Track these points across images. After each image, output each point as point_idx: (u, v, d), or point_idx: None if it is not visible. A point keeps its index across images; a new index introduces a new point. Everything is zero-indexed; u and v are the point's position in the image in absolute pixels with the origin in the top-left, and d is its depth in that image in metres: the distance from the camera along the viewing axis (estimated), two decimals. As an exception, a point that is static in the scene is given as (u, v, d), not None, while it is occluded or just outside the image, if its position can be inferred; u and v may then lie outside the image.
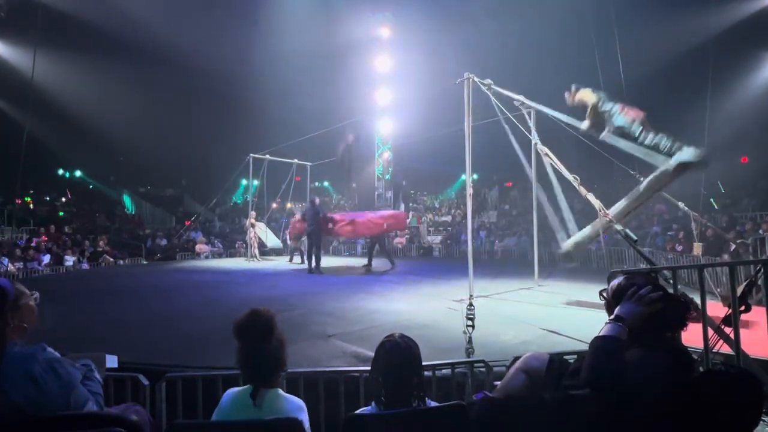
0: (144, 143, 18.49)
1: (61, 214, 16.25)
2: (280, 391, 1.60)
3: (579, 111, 5.75)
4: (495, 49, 14.64)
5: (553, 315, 5.15)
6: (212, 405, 1.70)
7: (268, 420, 1.37)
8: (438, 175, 23.29)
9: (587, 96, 5.54)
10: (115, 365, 1.90)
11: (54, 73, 14.45)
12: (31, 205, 17.80)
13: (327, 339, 4.12)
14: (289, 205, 13.95)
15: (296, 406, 1.59)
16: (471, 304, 4.03)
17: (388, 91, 17.83)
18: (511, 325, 4.63)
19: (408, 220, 20.20)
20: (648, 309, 1.51)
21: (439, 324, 4.62)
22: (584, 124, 5.54)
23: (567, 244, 5.85)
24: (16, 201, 16.19)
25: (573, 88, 5.72)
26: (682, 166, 4.48)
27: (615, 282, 1.75)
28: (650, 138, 4.77)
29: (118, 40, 15.44)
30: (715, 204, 11.44)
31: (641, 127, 4.87)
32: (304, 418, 1.53)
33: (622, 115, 5.05)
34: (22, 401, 1.33)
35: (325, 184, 25.63)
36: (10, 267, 10.42)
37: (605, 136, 5.26)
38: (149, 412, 2.11)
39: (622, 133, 5.07)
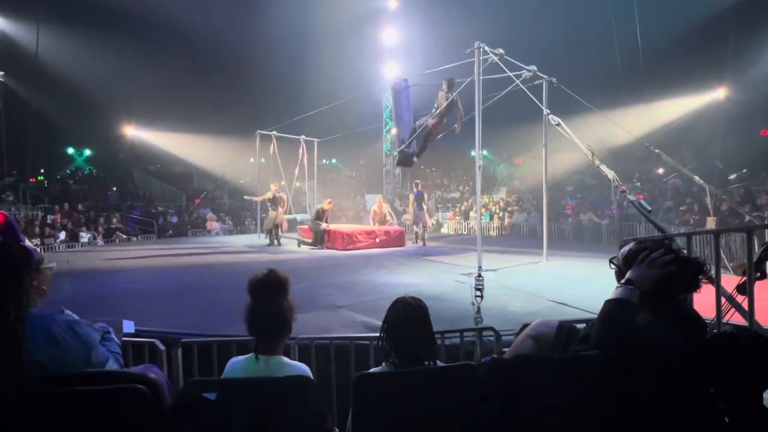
0: (151, 120, 18.49)
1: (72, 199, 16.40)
2: (284, 357, 1.63)
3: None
4: (507, 18, 14.14)
5: (561, 288, 5.16)
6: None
7: (281, 377, 1.41)
8: (447, 150, 22.96)
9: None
10: (132, 330, 1.96)
11: (60, 50, 14.34)
12: (46, 183, 18.06)
13: (336, 310, 4.19)
14: (297, 184, 13.96)
15: (301, 370, 1.61)
16: (480, 276, 4.05)
17: (395, 65, 17.43)
18: (520, 297, 4.66)
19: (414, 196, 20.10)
20: (660, 272, 1.49)
21: (447, 296, 4.67)
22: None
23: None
24: (30, 180, 16.45)
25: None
26: None
27: (626, 248, 1.72)
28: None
29: (124, 15, 15.22)
30: (731, 179, 11.18)
31: None
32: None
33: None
34: (46, 362, 1.39)
35: (333, 161, 25.49)
36: (28, 243, 10.68)
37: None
38: (166, 376, 2.18)
39: None
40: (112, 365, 1.55)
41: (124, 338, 2.09)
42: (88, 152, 22.46)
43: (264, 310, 1.59)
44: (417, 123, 8.14)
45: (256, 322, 1.59)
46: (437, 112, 7.54)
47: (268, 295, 1.61)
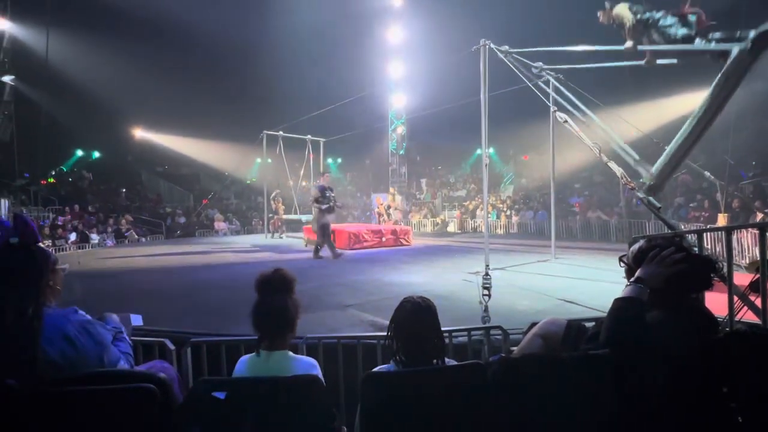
0: (158, 122, 18.68)
1: (89, 197, 16.59)
2: (290, 352, 1.64)
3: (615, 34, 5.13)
4: (513, 14, 14.04)
5: (569, 286, 5.12)
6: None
7: (289, 376, 1.41)
8: (453, 149, 22.91)
9: (624, 11, 5.05)
10: (140, 323, 2.00)
11: (70, 54, 14.52)
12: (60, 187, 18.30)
13: (344, 309, 4.20)
14: (303, 184, 14.04)
15: (308, 364, 1.61)
16: (487, 274, 4.04)
17: (400, 64, 17.43)
18: (528, 296, 4.63)
19: (422, 196, 20.13)
20: (670, 270, 1.47)
21: (455, 295, 4.65)
22: (627, 44, 5.03)
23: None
24: (41, 182, 16.69)
25: (607, 5, 5.22)
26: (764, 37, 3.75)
27: (636, 246, 1.70)
28: (708, 33, 4.21)
29: (131, 18, 15.37)
30: (744, 174, 10.99)
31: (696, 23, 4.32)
32: (318, 374, 1.57)
33: (671, 15, 4.54)
34: (60, 360, 1.42)
35: (338, 161, 25.51)
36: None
37: (653, 46, 4.77)
38: (176, 369, 2.20)
39: (672, 37, 4.49)
40: (123, 365, 1.58)
41: (133, 335, 2.12)
42: (94, 154, 22.71)
43: (267, 307, 1.61)
44: None
45: (259, 318, 1.61)
46: None
47: (273, 293, 1.63)
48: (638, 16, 4.79)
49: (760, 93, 11.54)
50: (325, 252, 7.96)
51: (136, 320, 1.99)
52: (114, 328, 1.68)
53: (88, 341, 1.48)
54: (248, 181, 21.15)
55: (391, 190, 14.42)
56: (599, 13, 5.28)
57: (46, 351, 1.38)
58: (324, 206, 7.78)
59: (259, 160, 18.08)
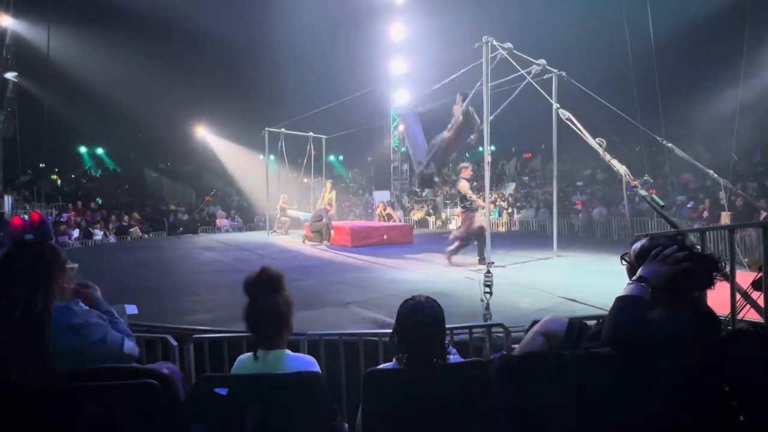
0: (161, 120, 18.68)
1: (100, 201, 16.56)
2: (288, 351, 1.62)
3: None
4: (516, 11, 13.97)
5: (572, 284, 5.10)
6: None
7: (291, 373, 1.42)
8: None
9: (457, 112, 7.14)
10: (135, 312, 2.03)
11: (72, 50, 14.54)
12: (59, 182, 18.39)
13: (345, 306, 4.20)
14: (304, 180, 14.04)
15: (306, 362, 1.60)
16: (489, 272, 4.04)
17: (402, 61, 17.37)
18: (529, 293, 4.63)
19: (424, 194, 20.10)
20: (672, 268, 1.47)
21: (456, 292, 4.65)
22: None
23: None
24: (47, 177, 16.75)
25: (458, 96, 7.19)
26: None
27: (638, 244, 1.69)
28: None
29: (133, 14, 15.37)
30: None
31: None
32: (318, 371, 1.56)
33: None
34: (68, 350, 1.47)
35: (341, 158, 25.48)
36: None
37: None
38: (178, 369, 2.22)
39: None
40: (128, 344, 1.63)
41: (136, 331, 2.14)
42: (100, 150, 22.76)
43: (259, 308, 1.59)
44: (432, 141, 7.83)
45: (252, 320, 1.60)
46: (453, 126, 7.29)
47: (263, 293, 1.61)
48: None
49: (761, 87, 11.45)
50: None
51: (131, 309, 2.04)
52: (105, 312, 1.71)
53: (91, 330, 1.54)
54: (251, 178, 21.19)
55: (386, 209, 14.15)
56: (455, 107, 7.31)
57: (55, 344, 1.43)
58: (469, 205, 6.72)
59: (261, 156, 18.08)
